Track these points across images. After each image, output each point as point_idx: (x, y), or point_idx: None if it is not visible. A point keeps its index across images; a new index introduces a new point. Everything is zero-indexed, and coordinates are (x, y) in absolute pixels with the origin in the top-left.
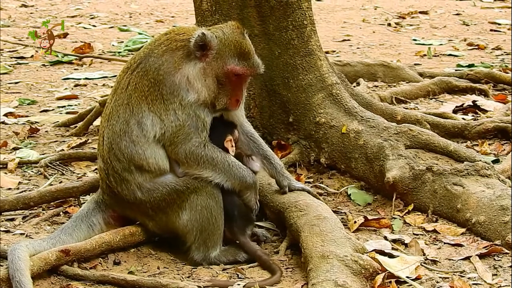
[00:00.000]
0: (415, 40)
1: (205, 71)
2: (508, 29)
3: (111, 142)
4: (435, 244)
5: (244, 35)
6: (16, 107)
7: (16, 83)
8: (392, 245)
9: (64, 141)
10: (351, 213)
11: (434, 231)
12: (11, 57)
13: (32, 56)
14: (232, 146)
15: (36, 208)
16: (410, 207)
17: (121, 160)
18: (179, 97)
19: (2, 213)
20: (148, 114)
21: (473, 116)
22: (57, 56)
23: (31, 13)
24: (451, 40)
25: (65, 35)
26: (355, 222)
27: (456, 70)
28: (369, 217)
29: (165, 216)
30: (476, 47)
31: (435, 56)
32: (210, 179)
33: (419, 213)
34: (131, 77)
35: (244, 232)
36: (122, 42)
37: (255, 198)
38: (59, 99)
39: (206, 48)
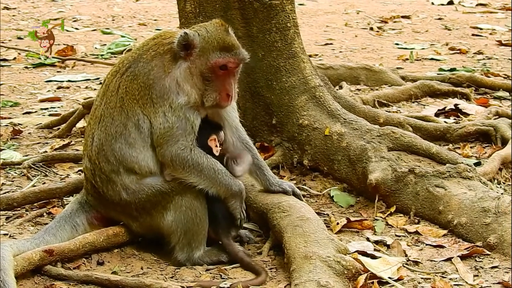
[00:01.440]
0: (397, 44)
1: (190, 70)
2: (490, 34)
3: (103, 143)
4: (417, 246)
5: (228, 32)
6: None
7: None
8: (374, 246)
9: (47, 143)
10: (333, 214)
11: (416, 232)
12: None
13: (14, 58)
14: (216, 146)
15: (19, 208)
16: (393, 209)
17: (111, 162)
18: (169, 100)
19: None
20: (143, 117)
21: (455, 119)
22: (39, 58)
23: (13, 15)
24: (433, 45)
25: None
26: (337, 223)
27: (438, 74)
28: (352, 219)
29: (149, 217)
30: (458, 51)
31: (417, 60)
32: (195, 184)
33: (401, 214)
34: (120, 80)
35: (228, 233)
36: (105, 45)
37: (240, 207)
38: (42, 101)
39: (190, 47)
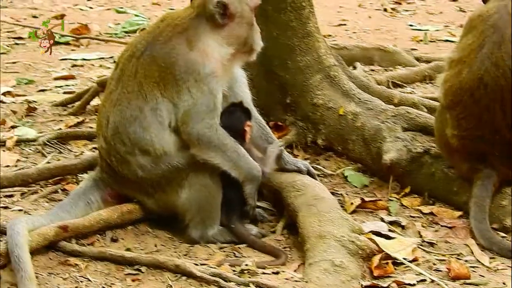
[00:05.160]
0: (411, 25)
1: (239, 25)
2: None
3: (118, 126)
4: (431, 227)
5: None
6: (14, 86)
7: (14, 63)
8: (389, 227)
9: (61, 120)
10: (347, 194)
11: (431, 213)
12: (9, 37)
13: (29, 36)
14: (249, 134)
15: (34, 185)
16: (407, 190)
17: (126, 144)
18: (194, 74)
19: (1, 190)
20: (162, 100)
21: None
22: (54, 36)
23: None
24: (447, 26)
25: (62, 16)
26: (351, 203)
27: None
28: (366, 199)
29: (164, 194)
30: None
31: (431, 41)
32: (218, 165)
33: (416, 195)
34: (137, 64)
35: (240, 219)
36: (119, 24)
37: (254, 194)
38: (57, 79)
39: (228, 9)
